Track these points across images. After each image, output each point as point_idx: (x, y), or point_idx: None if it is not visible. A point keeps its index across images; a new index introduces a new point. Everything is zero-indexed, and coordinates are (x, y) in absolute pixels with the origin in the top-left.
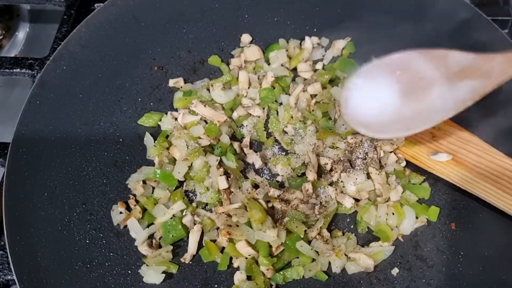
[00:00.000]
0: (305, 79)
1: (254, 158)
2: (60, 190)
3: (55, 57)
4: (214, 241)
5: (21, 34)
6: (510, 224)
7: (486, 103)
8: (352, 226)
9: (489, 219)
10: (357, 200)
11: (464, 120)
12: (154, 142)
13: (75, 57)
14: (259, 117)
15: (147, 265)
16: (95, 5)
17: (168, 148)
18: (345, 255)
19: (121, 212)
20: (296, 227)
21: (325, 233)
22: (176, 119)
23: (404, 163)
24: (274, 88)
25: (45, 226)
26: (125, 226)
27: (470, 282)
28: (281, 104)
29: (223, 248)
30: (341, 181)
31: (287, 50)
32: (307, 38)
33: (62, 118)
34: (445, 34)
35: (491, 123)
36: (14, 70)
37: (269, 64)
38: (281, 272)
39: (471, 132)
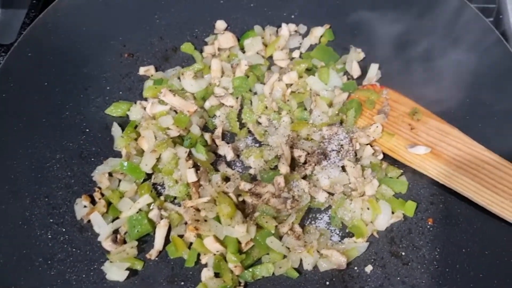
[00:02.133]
0: (281, 68)
1: (226, 150)
2: (21, 182)
3: (19, 44)
4: (181, 236)
5: None
6: (489, 220)
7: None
8: (326, 222)
9: (467, 215)
10: (331, 194)
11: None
12: (122, 132)
13: (41, 44)
14: (232, 107)
15: (110, 262)
16: None
17: (136, 139)
18: (317, 251)
19: (85, 206)
20: (267, 222)
21: (297, 228)
22: (145, 108)
23: (381, 156)
24: (248, 77)
25: (4, 220)
26: (89, 221)
27: (447, 279)
28: (255, 93)
29: (191, 244)
30: (315, 175)
31: (263, 38)
32: (284, 25)
33: (26, 108)
34: (428, 22)
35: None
36: None
37: (244, 52)
38: (250, 269)
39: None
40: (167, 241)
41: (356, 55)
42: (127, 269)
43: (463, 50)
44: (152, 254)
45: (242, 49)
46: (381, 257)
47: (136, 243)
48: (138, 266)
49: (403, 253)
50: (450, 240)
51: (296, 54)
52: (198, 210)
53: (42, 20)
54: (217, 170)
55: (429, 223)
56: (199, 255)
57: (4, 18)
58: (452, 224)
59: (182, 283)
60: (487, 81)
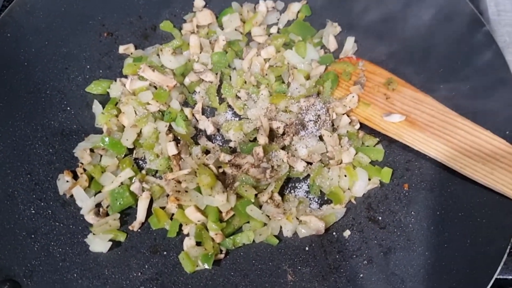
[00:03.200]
0: (259, 44)
1: (206, 124)
2: (3, 160)
3: None
4: (163, 208)
5: None
6: (462, 183)
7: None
8: (304, 190)
9: (441, 179)
10: (309, 164)
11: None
12: (103, 109)
13: (20, 24)
14: (211, 82)
15: (93, 234)
16: None
17: (117, 116)
18: (297, 218)
19: (67, 181)
20: (246, 191)
21: (277, 197)
22: (125, 85)
23: (358, 126)
24: (226, 52)
25: None
26: (72, 196)
27: (422, 241)
28: (234, 69)
29: (172, 215)
30: (293, 145)
31: (241, 14)
32: (261, 1)
33: (6, 87)
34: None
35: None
36: None
37: (222, 29)
38: (231, 237)
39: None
40: (149, 213)
41: (332, 29)
42: (110, 240)
43: (437, 21)
44: (135, 225)
45: (221, 26)
46: (358, 222)
47: (118, 215)
48: (121, 237)
49: (380, 218)
50: (425, 204)
51: (274, 30)
52: (179, 182)
53: (20, 0)
54: (197, 144)
55: (405, 188)
56: (180, 225)
57: None
58: (427, 189)
59: (165, 252)
60: (459, 51)
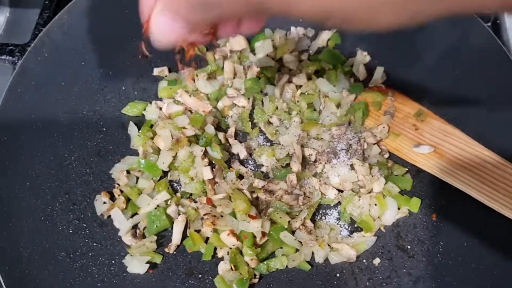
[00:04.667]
0: (290, 70)
1: (239, 149)
2: (42, 179)
3: (36, 44)
4: (198, 231)
5: (1, 18)
6: (489, 215)
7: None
8: (335, 217)
9: (469, 211)
10: (340, 191)
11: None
12: (138, 131)
13: (57, 45)
14: (244, 107)
15: (131, 255)
16: None
17: (152, 138)
18: (328, 245)
19: (104, 202)
20: (280, 217)
21: (309, 223)
22: (160, 108)
23: (387, 155)
24: (259, 78)
25: (27, 216)
26: (109, 216)
27: (450, 271)
28: (266, 94)
29: (207, 238)
30: (325, 172)
31: (272, 40)
32: (293, 28)
33: (44, 107)
34: (429, 26)
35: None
36: None
37: (254, 54)
38: (265, 262)
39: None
40: (184, 235)
41: (362, 58)
42: (147, 262)
43: (463, 56)
44: (171, 248)
45: (253, 51)
46: (388, 250)
47: (155, 237)
48: (157, 259)
49: (409, 247)
50: (453, 234)
51: (304, 56)
52: (214, 206)
53: (57, 21)
54: (230, 167)
55: (433, 218)
56: (215, 249)
57: (13, 17)
58: (455, 219)
59: (200, 275)
60: (487, 86)
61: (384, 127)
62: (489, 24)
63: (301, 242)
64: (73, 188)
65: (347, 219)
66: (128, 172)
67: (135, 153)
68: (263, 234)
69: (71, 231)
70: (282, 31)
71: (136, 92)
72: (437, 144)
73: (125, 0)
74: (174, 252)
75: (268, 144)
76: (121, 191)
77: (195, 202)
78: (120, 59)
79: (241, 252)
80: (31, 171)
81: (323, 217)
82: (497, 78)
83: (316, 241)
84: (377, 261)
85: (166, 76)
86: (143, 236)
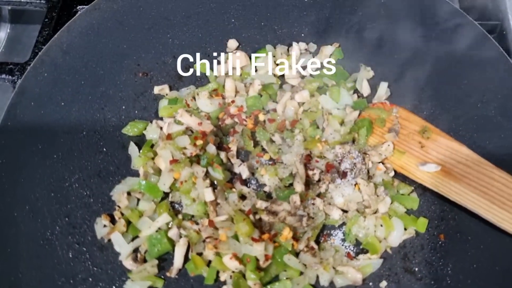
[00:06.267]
0: (292, 86)
1: (241, 168)
2: (41, 202)
3: (35, 64)
4: (200, 254)
5: (2, 34)
6: (499, 235)
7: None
8: (340, 238)
9: (477, 230)
10: (345, 211)
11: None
12: (139, 151)
13: (57, 64)
14: (245, 125)
15: (132, 280)
16: (78, 7)
17: (153, 158)
18: (333, 268)
19: (105, 225)
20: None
21: (313, 245)
22: (161, 128)
23: (392, 173)
24: (261, 96)
25: (26, 240)
26: (109, 240)
27: None
28: (268, 112)
29: (210, 261)
30: (329, 192)
31: (274, 56)
32: (294, 44)
33: (43, 127)
34: (434, 39)
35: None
36: None
37: (256, 70)
38: (269, 286)
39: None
40: (186, 259)
41: (365, 73)
42: (148, 287)
43: (469, 68)
44: (172, 272)
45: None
46: (394, 272)
47: (156, 261)
48: (159, 284)
49: (416, 269)
50: (461, 255)
51: (306, 72)
52: (216, 228)
53: (56, 40)
54: (232, 188)
55: (441, 239)
56: (218, 272)
57: (13, 33)
58: (463, 240)
59: None
60: (493, 98)
61: (389, 145)
62: (494, 35)
63: (305, 265)
64: (73, 210)
65: (352, 240)
66: (128, 193)
67: (136, 174)
68: (267, 257)
69: (70, 256)
70: (283, 47)
71: (136, 111)
72: (443, 161)
73: (124, 18)
74: (176, 276)
75: (270, 162)
76: (122, 214)
77: (197, 224)
78: (120, 77)
79: (244, 276)
80: (31, 194)
81: (327, 239)
82: (504, 94)
83: (320, 264)
84: (383, 284)
85: (166, 94)
86: (144, 260)
